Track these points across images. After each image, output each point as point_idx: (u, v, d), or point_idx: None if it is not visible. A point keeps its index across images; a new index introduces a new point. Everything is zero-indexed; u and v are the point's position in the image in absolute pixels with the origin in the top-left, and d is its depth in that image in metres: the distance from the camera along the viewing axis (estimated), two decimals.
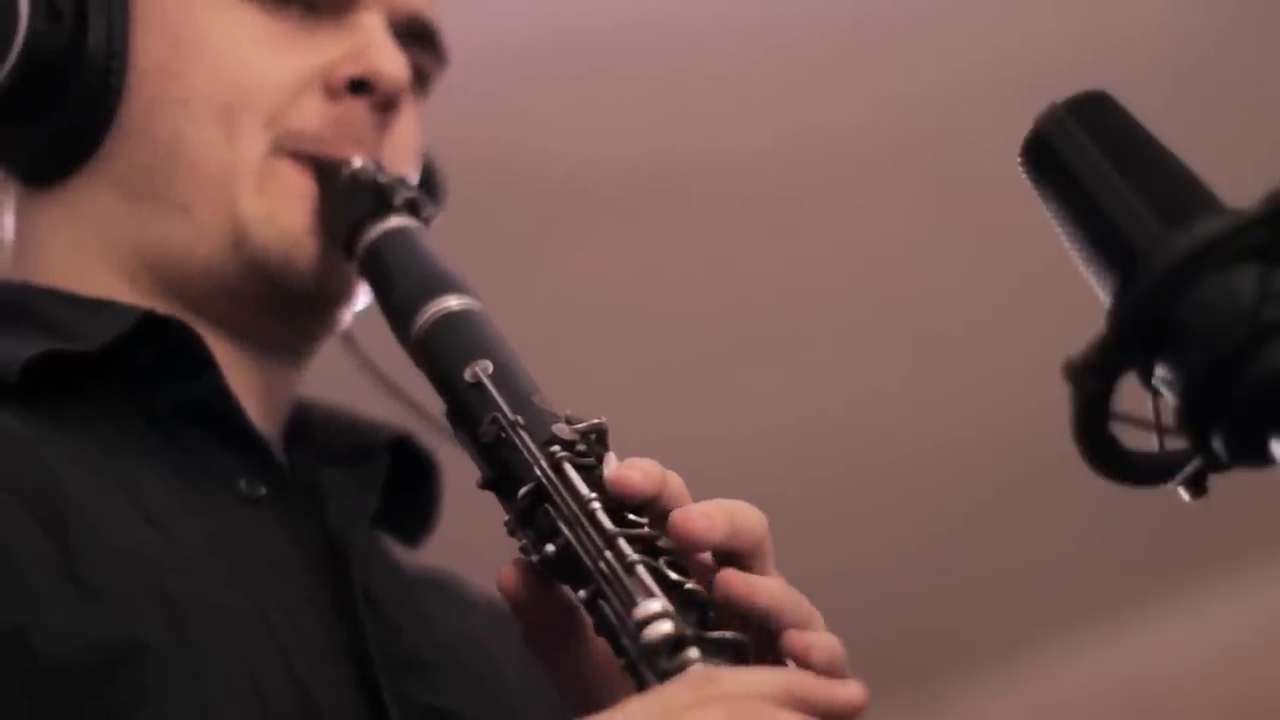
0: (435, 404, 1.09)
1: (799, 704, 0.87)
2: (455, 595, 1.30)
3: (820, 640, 0.94)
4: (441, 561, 1.33)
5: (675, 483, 0.98)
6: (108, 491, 1.07)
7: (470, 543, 1.04)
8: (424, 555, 1.34)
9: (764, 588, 0.94)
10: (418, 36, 1.26)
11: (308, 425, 1.26)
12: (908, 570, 3.44)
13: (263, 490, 1.14)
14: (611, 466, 0.98)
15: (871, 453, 3.25)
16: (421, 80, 1.28)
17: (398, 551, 1.29)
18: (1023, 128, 0.82)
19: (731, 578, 0.94)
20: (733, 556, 0.96)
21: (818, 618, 0.97)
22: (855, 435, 3.23)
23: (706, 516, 0.95)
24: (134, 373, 1.14)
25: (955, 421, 3.21)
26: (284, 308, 1.21)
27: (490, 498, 1.02)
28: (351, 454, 1.24)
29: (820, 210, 2.92)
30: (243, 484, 1.14)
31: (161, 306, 1.17)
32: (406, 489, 1.28)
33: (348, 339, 1.30)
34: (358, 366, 1.32)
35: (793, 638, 0.93)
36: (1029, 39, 2.68)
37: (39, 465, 1.05)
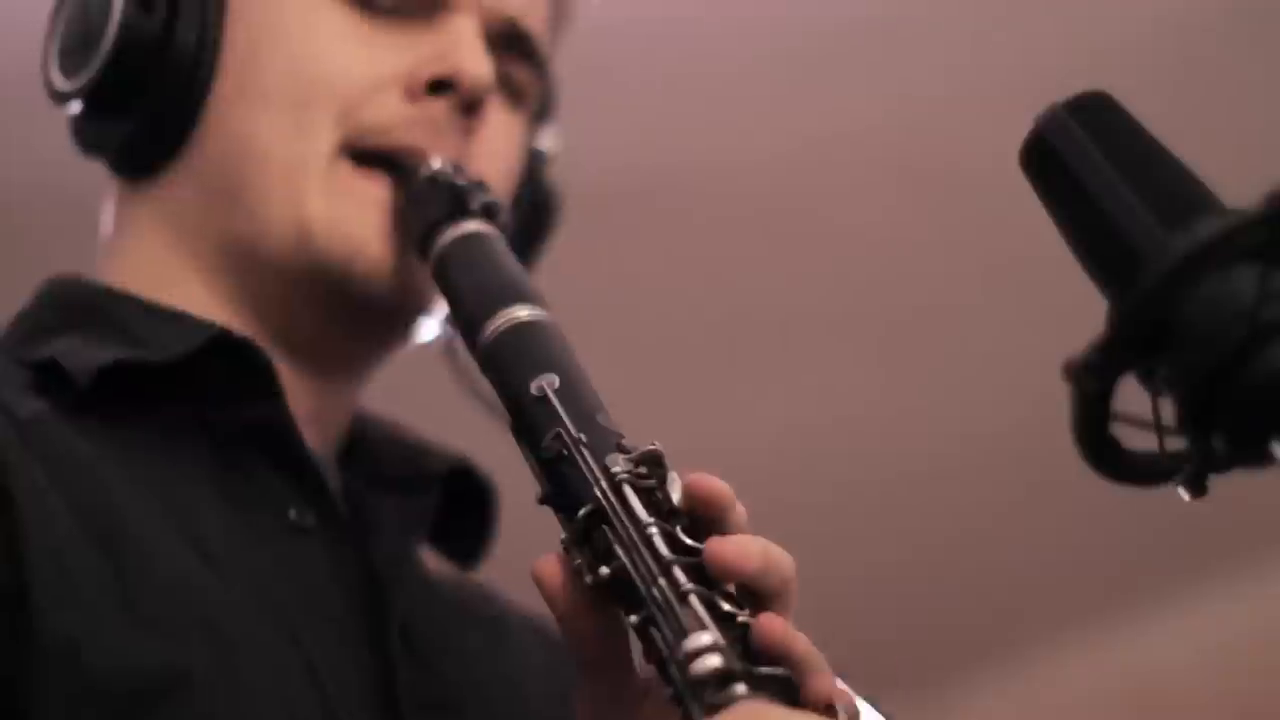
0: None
1: None
2: (495, 621, 1.28)
3: (845, 696, 0.92)
4: (500, 575, 1.32)
5: (741, 514, 0.97)
6: (161, 516, 1.06)
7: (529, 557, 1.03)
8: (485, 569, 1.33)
9: (801, 639, 0.92)
10: (514, 45, 1.25)
11: (365, 444, 1.25)
12: (908, 571, 3.44)
13: (312, 520, 1.13)
14: (675, 487, 0.97)
15: (872, 456, 3.26)
16: (516, 91, 1.26)
17: (440, 565, 1.28)
18: (1023, 132, 0.82)
19: (772, 623, 0.91)
20: (762, 595, 0.95)
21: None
22: (855, 439, 3.23)
23: (741, 547, 0.93)
24: (199, 388, 1.14)
25: (955, 424, 3.21)
26: (349, 315, 1.20)
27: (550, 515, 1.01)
28: (407, 481, 1.23)
29: (820, 215, 2.92)
30: (293, 513, 1.13)
31: (236, 313, 1.17)
32: (463, 513, 1.27)
33: (450, 351, 1.27)
34: (456, 380, 1.29)
35: (821, 681, 0.91)
36: (1029, 42, 2.68)
37: (98, 486, 1.05)
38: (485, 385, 1.23)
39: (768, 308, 3.05)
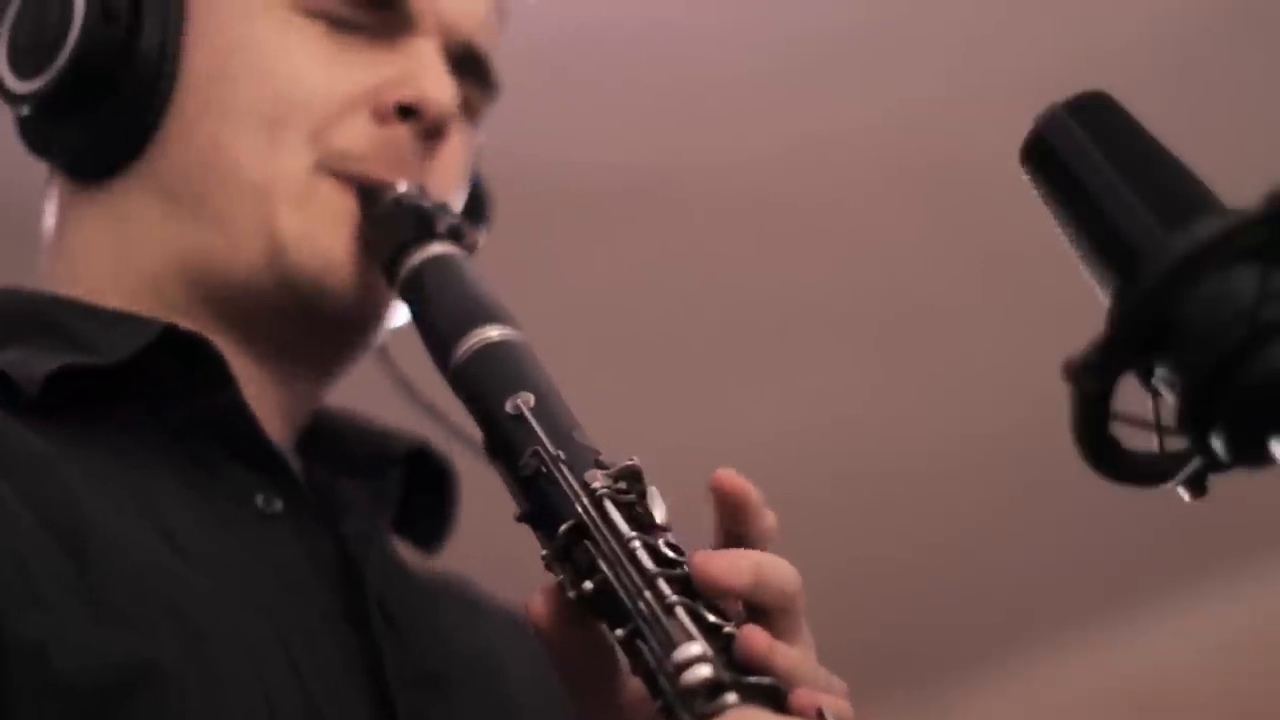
0: (472, 427, 1.08)
1: None
2: (470, 603, 1.29)
3: (831, 703, 0.91)
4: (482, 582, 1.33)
5: (765, 525, 0.97)
6: (125, 510, 1.07)
7: (514, 565, 1.03)
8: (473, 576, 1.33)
9: (784, 652, 0.91)
10: (470, 66, 1.25)
11: (326, 433, 1.26)
12: (908, 571, 3.45)
13: (279, 505, 1.14)
14: (655, 501, 0.98)
15: (872, 456, 3.26)
16: (470, 110, 1.27)
17: (411, 556, 1.29)
18: (1022, 132, 0.82)
19: (754, 636, 0.91)
20: (759, 610, 0.95)
21: (838, 689, 0.95)
22: (855, 439, 3.23)
23: (729, 561, 0.93)
24: (153, 386, 1.14)
25: (955, 424, 3.21)
26: (315, 325, 1.20)
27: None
28: (369, 464, 1.24)
29: (821, 216, 2.93)
30: (260, 499, 1.13)
31: (190, 317, 1.17)
32: (424, 496, 1.28)
33: (383, 354, 1.29)
34: (392, 383, 1.31)
35: (801, 696, 0.90)
36: (1029, 43, 2.68)
37: (57, 483, 1.05)
38: (422, 386, 1.25)
39: (766, 307, 3.05)
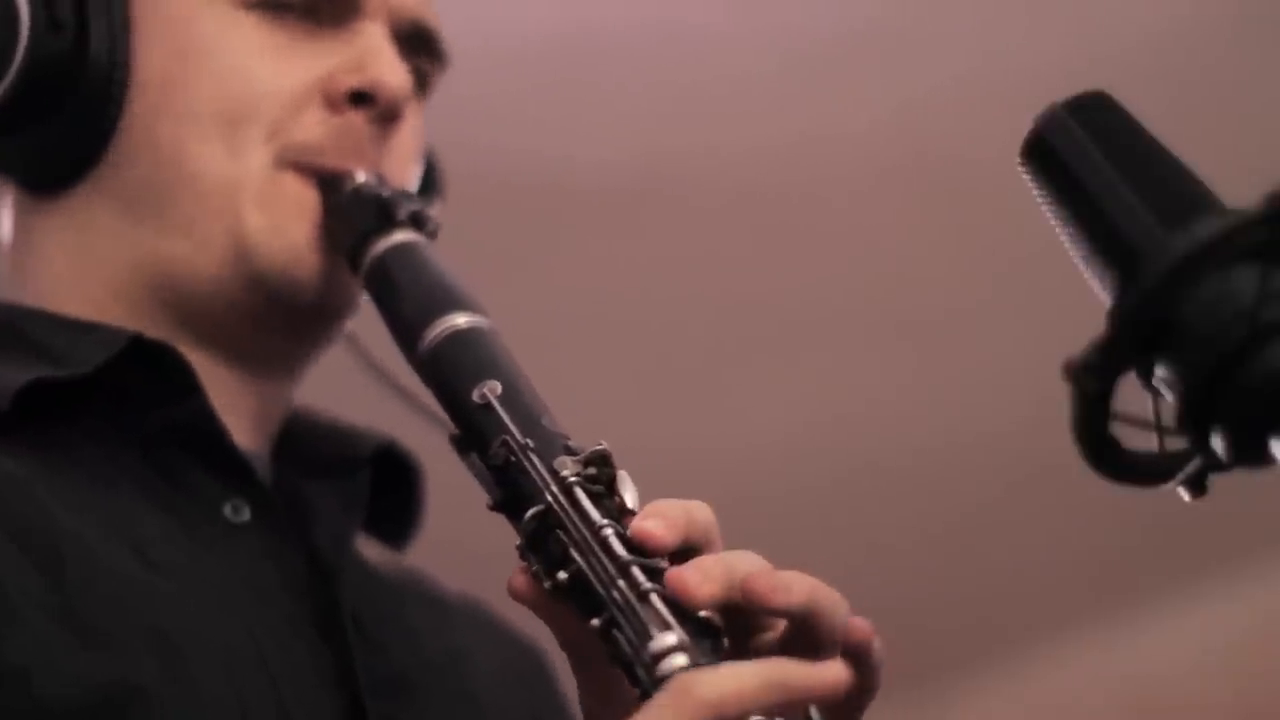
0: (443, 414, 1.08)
1: (781, 691, 0.86)
2: (434, 601, 1.29)
3: (857, 622, 0.92)
4: (456, 576, 1.32)
5: (701, 518, 0.96)
6: (98, 528, 1.06)
7: (486, 558, 1.03)
8: (442, 574, 1.33)
9: (797, 584, 0.91)
10: (419, 42, 1.25)
11: (293, 436, 1.25)
12: (908, 571, 3.44)
13: (247, 514, 1.13)
14: (625, 485, 0.97)
15: (871, 454, 3.26)
16: (422, 83, 1.26)
17: (371, 550, 1.28)
18: (1023, 132, 0.82)
19: (758, 581, 0.90)
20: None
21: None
22: (854, 437, 3.23)
23: (701, 571, 0.91)
24: (121, 397, 1.13)
25: (955, 423, 3.21)
26: (285, 321, 1.20)
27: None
28: (336, 466, 1.23)
29: (820, 215, 2.93)
30: (228, 509, 1.13)
31: (157, 325, 1.17)
32: (391, 493, 1.27)
33: (351, 340, 1.29)
34: (362, 368, 1.31)
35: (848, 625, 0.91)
36: (1028, 43, 2.68)
37: (30, 504, 1.05)
38: (393, 370, 1.24)
39: (765, 306, 3.05)
